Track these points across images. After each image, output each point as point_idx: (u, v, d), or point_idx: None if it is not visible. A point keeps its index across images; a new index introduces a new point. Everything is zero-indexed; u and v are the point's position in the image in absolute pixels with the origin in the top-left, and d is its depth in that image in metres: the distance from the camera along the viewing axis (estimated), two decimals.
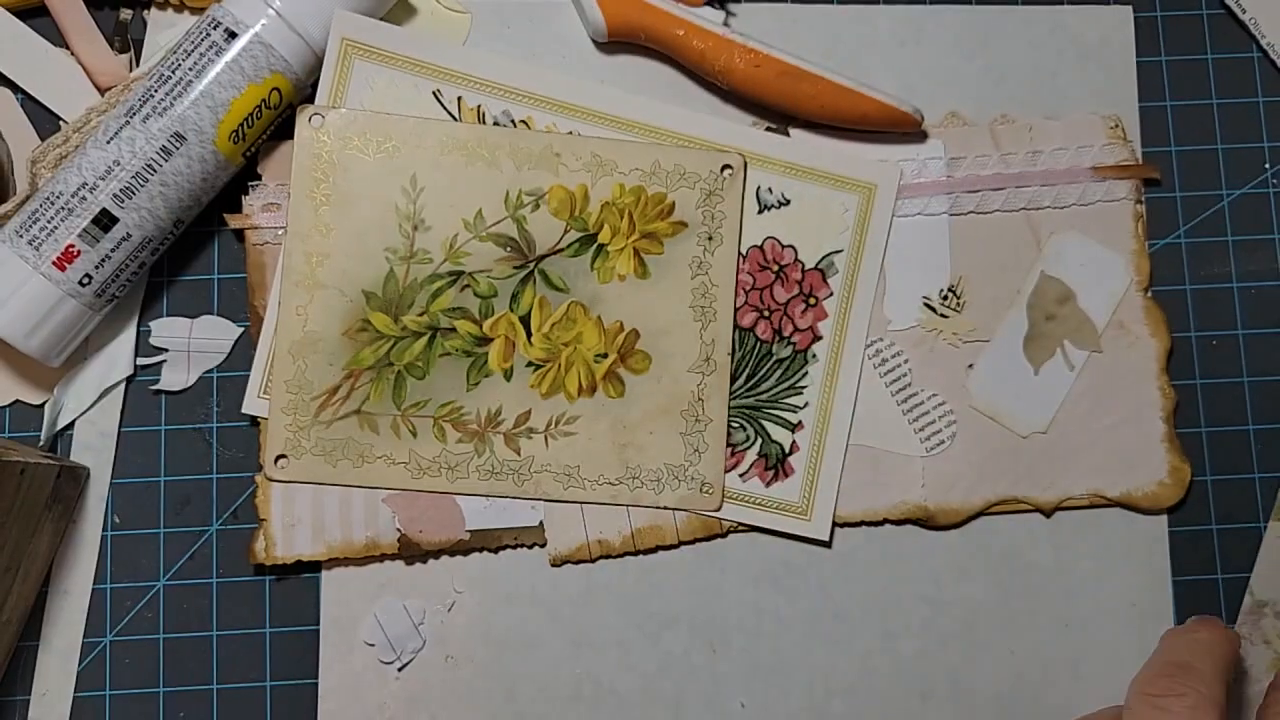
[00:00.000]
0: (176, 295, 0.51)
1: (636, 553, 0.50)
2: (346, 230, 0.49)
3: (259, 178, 0.50)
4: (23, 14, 0.51)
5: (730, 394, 0.50)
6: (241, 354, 0.50)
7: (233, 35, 0.47)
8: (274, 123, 0.49)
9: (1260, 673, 0.49)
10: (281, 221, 0.50)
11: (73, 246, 0.46)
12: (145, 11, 0.51)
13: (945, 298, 0.52)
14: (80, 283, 0.46)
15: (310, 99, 0.49)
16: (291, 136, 0.49)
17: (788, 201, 0.51)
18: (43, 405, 0.50)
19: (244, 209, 0.50)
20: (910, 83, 0.53)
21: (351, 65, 0.49)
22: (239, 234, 0.50)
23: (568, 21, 0.52)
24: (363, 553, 0.49)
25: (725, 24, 0.51)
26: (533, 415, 0.50)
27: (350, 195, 0.49)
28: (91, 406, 0.50)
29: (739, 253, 0.51)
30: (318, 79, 0.49)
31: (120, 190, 0.46)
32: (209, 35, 0.47)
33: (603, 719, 0.50)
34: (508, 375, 0.50)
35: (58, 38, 0.51)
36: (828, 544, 0.51)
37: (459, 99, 0.50)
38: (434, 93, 0.50)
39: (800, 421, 0.51)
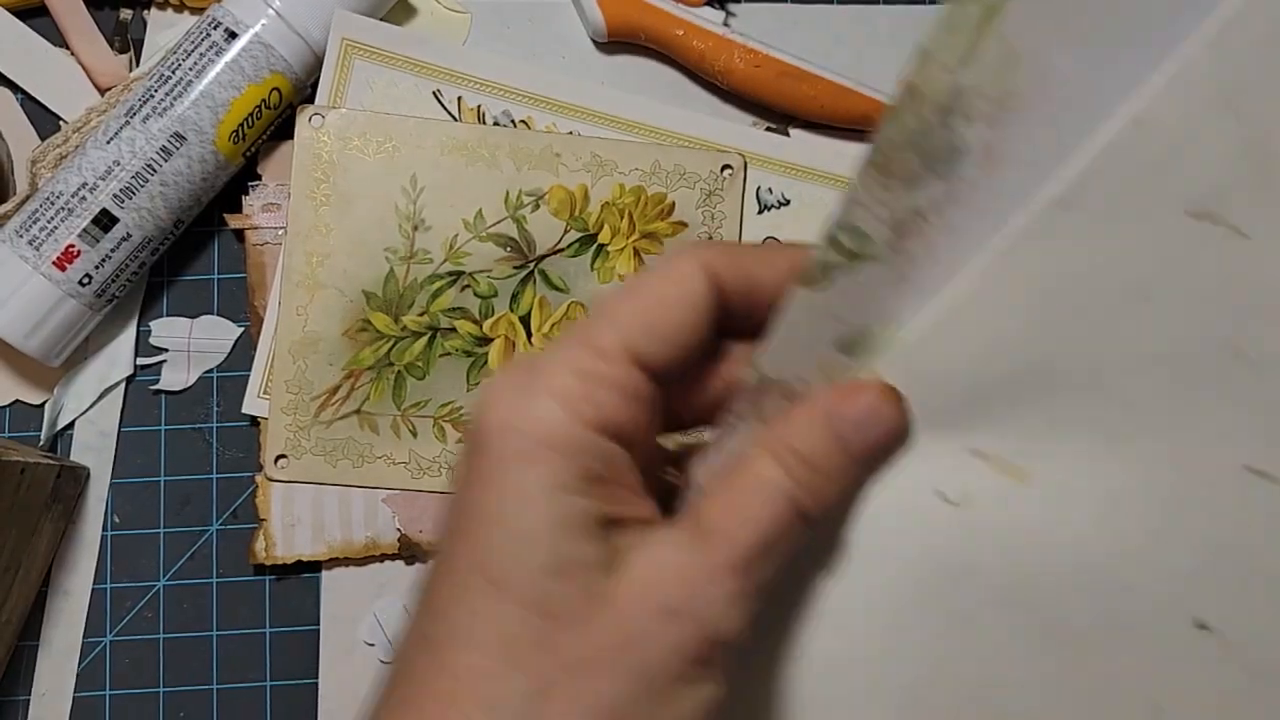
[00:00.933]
0: (176, 295, 0.51)
1: None
2: (347, 230, 0.49)
3: (259, 178, 0.50)
4: (23, 14, 0.51)
5: None
6: (241, 354, 0.50)
7: (233, 35, 0.47)
8: (274, 123, 0.49)
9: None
10: (281, 221, 0.50)
11: (73, 246, 0.46)
12: (145, 11, 0.51)
13: None
14: (80, 283, 0.46)
15: (310, 99, 0.49)
16: (291, 136, 0.49)
17: (788, 201, 0.51)
18: (43, 405, 0.50)
19: (244, 209, 0.50)
20: None
21: (351, 65, 0.49)
22: (239, 234, 0.50)
23: (568, 21, 0.52)
24: (363, 553, 0.49)
25: (725, 24, 0.51)
26: None
27: (350, 195, 0.49)
28: (91, 406, 0.50)
29: None
30: (317, 79, 0.49)
31: (120, 190, 0.46)
32: (209, 35, 0.47)
33: None
34: None
35: (58, 38, 0.51)
36: None
37: (459, 99, 0.50)
38: (434, 93, 0.50)
39: None
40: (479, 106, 0.50)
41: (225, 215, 0.50)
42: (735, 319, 0.34)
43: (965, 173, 0.34)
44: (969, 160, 0.34)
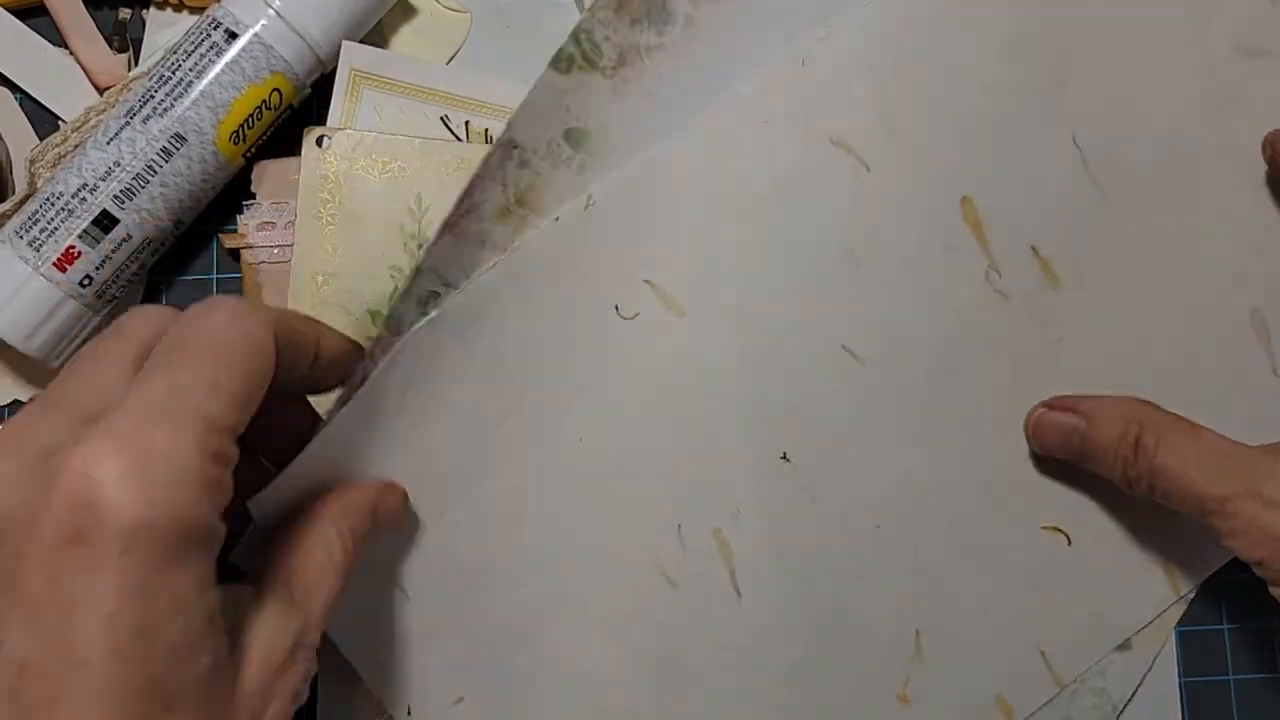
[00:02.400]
0: (175, 295, 0.51)
1: None
2: (352, 250, 0.49)
3: (253, 196, 0.50)
4: (21, 13, 0.50)
5: None
6: None
7: (233, 36, 0.46)
8: (274, 123, 0.49)
9: (489, 213, 0.46)
10: (277, 240, 0.50)
11: (73, 248, 0.46)
12: (144, 11, 0.51)
13: None
14: (81, 284, 0.46)
15: (309, 100, 0.49)
16: (288, 152, 0.49)
17: None
18: None
19: (240, 228, 0.50)
20: None
21: (361, 94, 0.49)
22: (234, 254, 0.50)
23: (569, 22, 0.52)
24: None
25: None
26: None
27: (356, 215, 0.49)
28: None
29: None
30: (317, 79, 0.49)
31: (121, 191, 0.46)
32: (209, 36, 0.46)
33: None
34: None
35: (56, 37, 0.50)
36: None
37: (466, 123, 0.50)
38: (442, 118, 0.50)
39: None
40: (486, 130, 0.50)
41: (220, 235, 0.50)
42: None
43: (673, 33, 0.47)
44: (677, 24, 0.47)
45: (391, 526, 0.43)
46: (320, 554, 0.38)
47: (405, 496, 0.44)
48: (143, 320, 0.35)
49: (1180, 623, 0.50)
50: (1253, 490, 0.40)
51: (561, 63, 0.46)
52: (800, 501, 0.47)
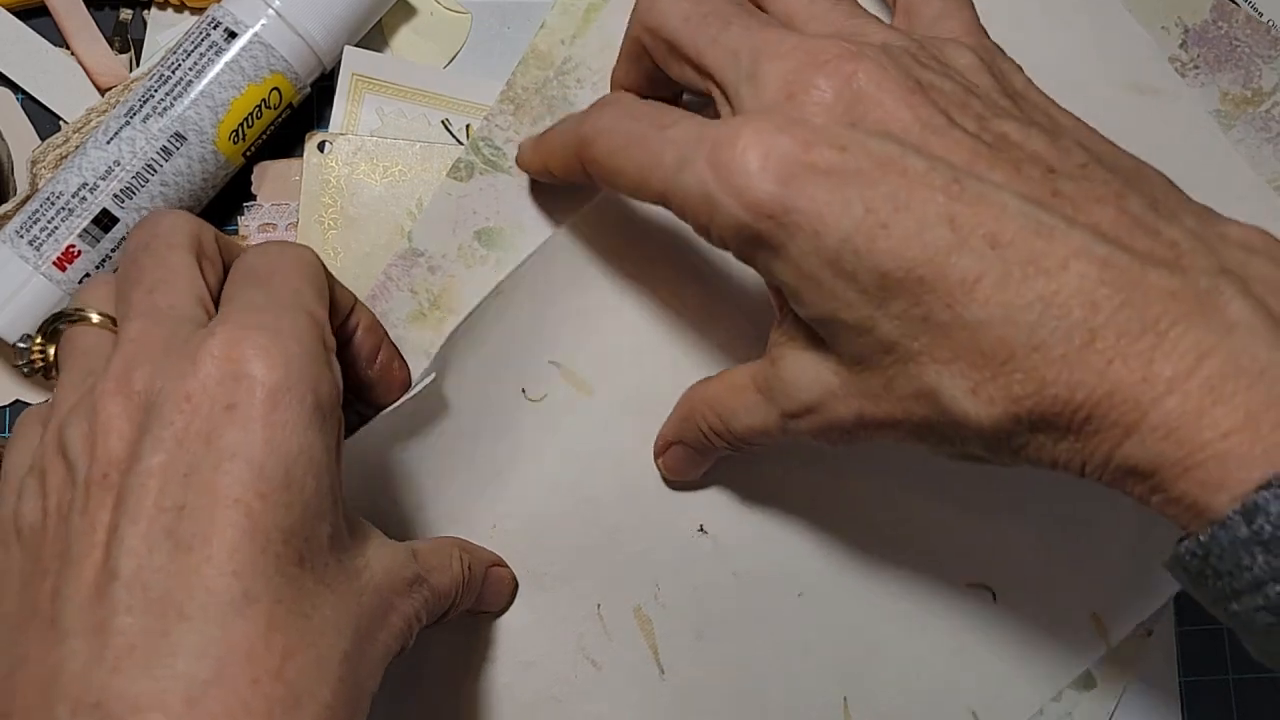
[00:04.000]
0: None
1: None
2: (354, 253, 0.49)
3: (254, 198, 0.50)
4: (23, 14, 0.50)
5: None
6: None
7: (232, 35, 0.47)
8: (274, 123, 0.49)
9: (400, 319, 0.48)
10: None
11: (73, 247, 0.46)
12: (145, 11, 0.51)
13: None
14: (80, 283, 0.46)
15: (309, 99, 0.50)
16: (288, 154, 0.50)
17: None
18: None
19: (240, 230, 0.50)
20: None
21: (362, 98, 0.50)
22: None
23: None
24: None
25: None
26: None
27: (358, 219, 0.49)
28: None
29: None
30: (316, 79, 0.49)
31: (121, 190, 0.46)
32: (209, 35, 0.47)
33: None
34: None
35: (58, 38, 0.51)
36: None
37: (467, 126, 0.50)
38: (443, 122, 0.50)
39: None
40: None
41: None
42: None
43: None
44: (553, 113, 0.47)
45: (493, 601, 0.47)
46: (444, 557, 0.41)
47: (514, 582, 0.47)
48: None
49: (1180, 623, 0.50)
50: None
51: (460, 171, 0.48)
52: (720, 573, 0.47)
